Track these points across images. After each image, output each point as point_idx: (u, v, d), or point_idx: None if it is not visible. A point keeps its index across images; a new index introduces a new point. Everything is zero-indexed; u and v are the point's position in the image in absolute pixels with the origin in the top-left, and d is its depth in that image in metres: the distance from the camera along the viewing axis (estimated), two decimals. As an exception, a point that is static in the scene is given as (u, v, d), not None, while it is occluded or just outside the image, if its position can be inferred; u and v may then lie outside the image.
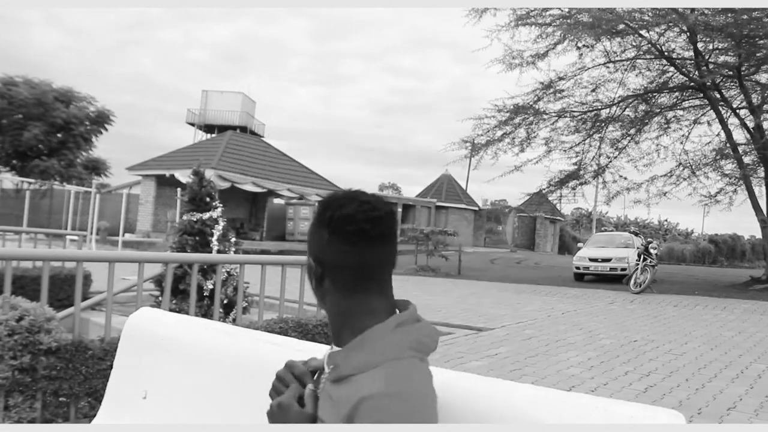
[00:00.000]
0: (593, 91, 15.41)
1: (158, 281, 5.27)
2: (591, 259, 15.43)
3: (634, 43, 14.37)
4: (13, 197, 24.09)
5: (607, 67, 15.15)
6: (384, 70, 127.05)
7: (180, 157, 24.84)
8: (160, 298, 4.97)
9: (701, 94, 14.78)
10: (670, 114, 16.12)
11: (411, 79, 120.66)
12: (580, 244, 18.43)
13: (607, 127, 15.96)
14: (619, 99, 15.58)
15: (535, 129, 15.67)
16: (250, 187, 23.92)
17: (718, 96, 14.41)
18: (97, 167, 31.37)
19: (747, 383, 5.00)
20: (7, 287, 3.12)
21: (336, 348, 1.10)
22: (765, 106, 13.63)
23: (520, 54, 14.48)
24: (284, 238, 27.40)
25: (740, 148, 14.32)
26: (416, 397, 0.97)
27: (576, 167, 16.18)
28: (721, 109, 14.35)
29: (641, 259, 13.00)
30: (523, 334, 7.15)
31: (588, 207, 45.17)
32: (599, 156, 16.25)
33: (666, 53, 14.33)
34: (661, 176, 16.10)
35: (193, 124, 30.33)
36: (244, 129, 28.76)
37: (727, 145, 14.50)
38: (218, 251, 5.15)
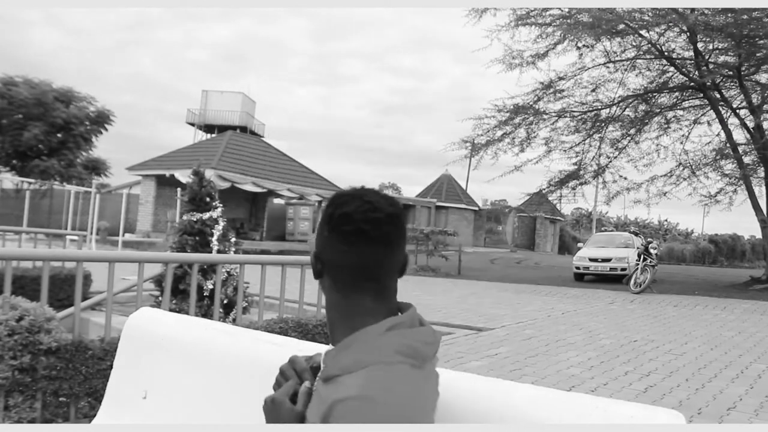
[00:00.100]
0: (593, 91, 15.42)
1: (158, 281, 5.27)
2: (591, 259, 15.43)
3: (634, 43, 14.37)
4: (13, 197, 24.08)
5: (607, 67, 15.15)
6: (384, 70, 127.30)
7: (180, 157, 24.82)
8: (160, 298, 4.97)
9: (701, 94, 14.78)
10: (670, 114, 16.12)
11: (411, 79, 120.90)
12: (580, 244, 18.41)
13: (607, 127, 15.96)
14: (619, 99, 15.58)
15: (535, 129, 15.69)
16: (250, 187, 23.90)
17: (718, 96, 14.41)
18: (97, 167, 31.38)
19: (747, 383, 5.00)
20: (7, 287, 3.12)
21: (331, 346, 1.11)
22: (765, 106, 13.63)
23: (520, 54, 14.50)
24: (284, 238, 27.39)
25: (740, 148, 14.32)
26: (391, 405, 0.92)
27: (576, 167, 16.18)
28: (721, 109, 14.35)
29: (641, 259, 13.01)
30: (523, 334, 7.15)
31: (588, 207, 45.20)
32: (599, 156, 16.26)
33: (666, 53, 14.33)
34: (661, 176, 16.11)
35: (193, 124, 30.31)
36: (244, 129, 28.74)
37: (727, 145, 14.50)
38: (218, 251, 5.15)
